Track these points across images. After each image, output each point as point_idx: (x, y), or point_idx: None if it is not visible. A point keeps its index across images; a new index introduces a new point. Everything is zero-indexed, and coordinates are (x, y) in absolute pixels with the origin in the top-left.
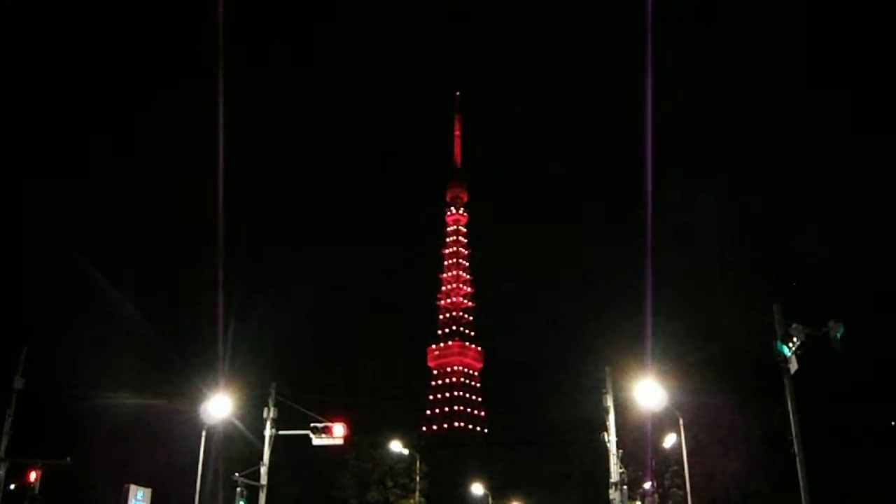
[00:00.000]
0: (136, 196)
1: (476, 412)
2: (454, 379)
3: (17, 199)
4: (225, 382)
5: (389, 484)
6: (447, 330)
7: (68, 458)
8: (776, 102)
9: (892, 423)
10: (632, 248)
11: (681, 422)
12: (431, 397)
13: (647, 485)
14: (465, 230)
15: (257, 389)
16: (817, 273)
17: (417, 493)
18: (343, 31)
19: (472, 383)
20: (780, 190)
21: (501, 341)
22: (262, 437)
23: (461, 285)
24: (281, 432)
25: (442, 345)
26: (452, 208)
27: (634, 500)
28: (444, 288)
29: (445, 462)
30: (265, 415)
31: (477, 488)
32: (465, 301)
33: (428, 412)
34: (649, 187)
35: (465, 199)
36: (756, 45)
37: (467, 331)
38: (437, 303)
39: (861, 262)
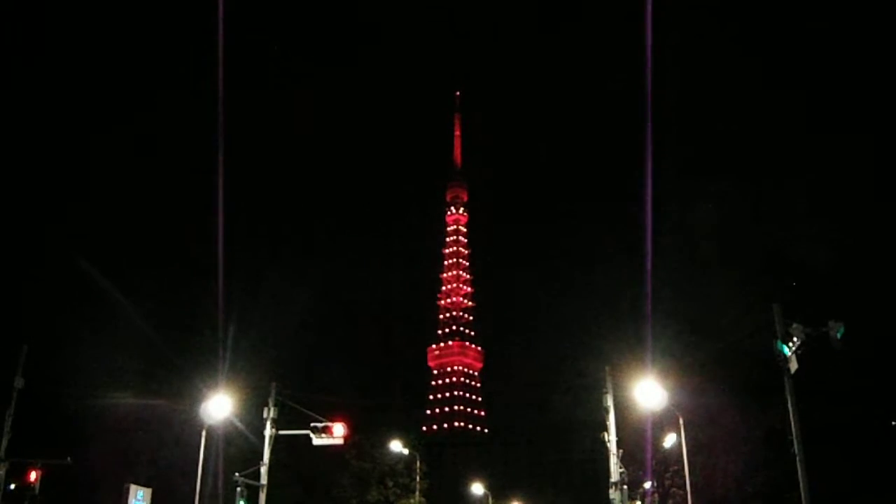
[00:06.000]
0: (137, 196)
1: (476, 412)
2: (454, 379)
3: (17, 200)
4: (225, 382)
5: (389, 484)
6: (447, 330)
7: (69, 458)
8: (775, 103)
9: (893, 423)
10: (632, 247)
11: (681, 421)
12: (431, 397)
13: (647, 485)
14: (465, 230)
15: (257, 389)
16: (817, 273)
17: (418, 493)
18: (343, 31)
19: (473, 383)
20: (781, 190)
21: (501, 341)
22: (263, 437)
23: (461, 285)
24: (281, 432)
25: (442, 345)
26: (452, 208)
27: (634, 499)
28: (444, 288)
29: (446, 462)
30: (265, 414)
31: (477, 488)
32: (465, 301)
33: (428, 412)
34: (649, 187)
35: (465, 199)
36: (756, 46)
37: (467, 331)
38: (437, 303)
39: (861, 262)
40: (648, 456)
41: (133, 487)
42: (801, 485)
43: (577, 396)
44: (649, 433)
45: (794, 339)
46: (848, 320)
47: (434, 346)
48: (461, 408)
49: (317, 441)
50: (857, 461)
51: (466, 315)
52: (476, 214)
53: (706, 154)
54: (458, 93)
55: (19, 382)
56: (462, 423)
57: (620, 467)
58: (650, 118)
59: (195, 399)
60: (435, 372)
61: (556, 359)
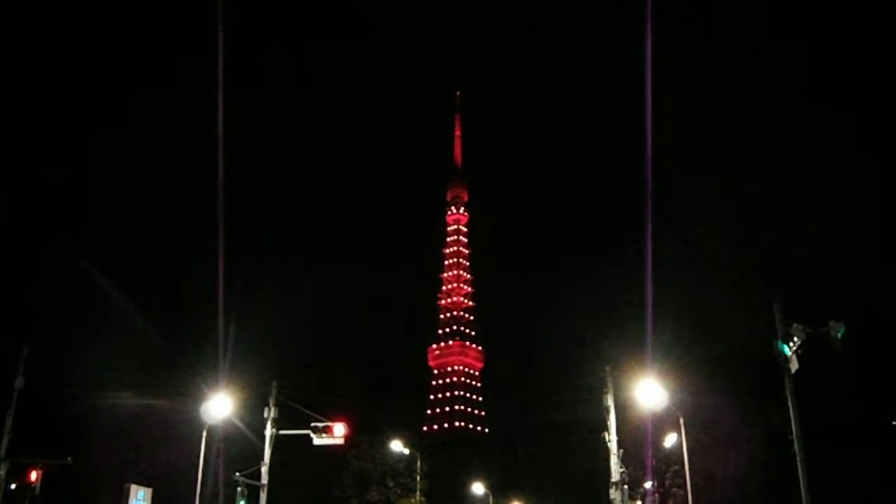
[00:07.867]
0: (137, 197)
1: (476, 412)
2: (454, 379)
3: (17, 199)
4: (225, 382)
5: (390, 483)
6: (447, 330)
7: (69, 458)
8: (775, 102)
9: (893, 423)
10: (633, 247)
11: (681, 421)
12: (432, 397)
13: (648, 484)
14: (465, 230)
15: (258, 389)
16: (817, 273)
17: (418, 493)
18: (343, 31)
19: (473, 383)
20: (781, 189)
21: (501, 341)
22: (263, 437)
23: (461, 285)
24: (282, 432)
25: (442, 344)
26: (452, 208)
27: (635, 499)
28: (444, 288)
29: (446, 462)
30: (266, 414)
31: (477, 488)
32: (466, 301)
33: (428, 412)
34: (649, 186)
35: (465, 199)
36: (755, 45)
37: (467, 330)
38: (438, 303)
39: (861, 263)
40: (649, 456)
41: (133, 487)
42: (801, 485)
43: (578, 396)
44: (650, 433)
45: (795, 338)
46: (848, 320)
47: (434, 346)
48: (461, 408)
49: (317, 441)
50: (857, 461)
51: (466, 315)
52: (476, 214)
53: (707, 155)
54: (458, 93)
55: (19, 382)
56: (462, 423)
57: (621, 467)
58: (650, 117)
59: (196, 399)
60: (435, 372)
61: (556, 358)
